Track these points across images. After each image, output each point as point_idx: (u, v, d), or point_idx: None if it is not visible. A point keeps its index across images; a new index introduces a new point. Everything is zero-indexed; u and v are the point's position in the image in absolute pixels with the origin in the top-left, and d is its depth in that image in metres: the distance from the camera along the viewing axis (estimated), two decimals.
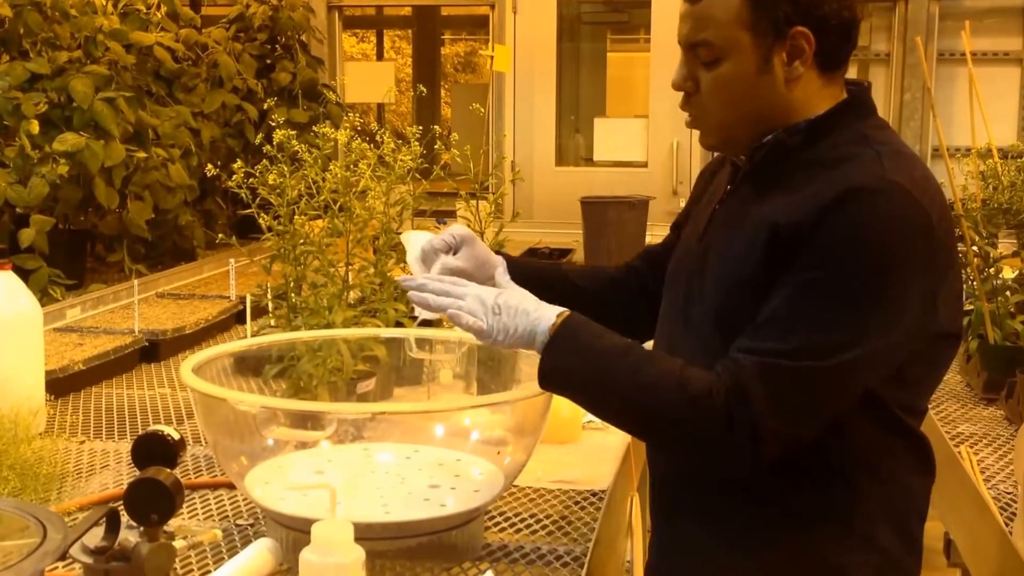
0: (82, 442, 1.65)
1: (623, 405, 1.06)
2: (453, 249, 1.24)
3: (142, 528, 1.07)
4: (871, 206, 1.00)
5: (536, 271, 1.30)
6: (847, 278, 0.99)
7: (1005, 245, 2.13)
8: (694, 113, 1.12)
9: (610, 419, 1.11)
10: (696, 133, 1.16)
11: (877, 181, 1.01)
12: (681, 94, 1.13)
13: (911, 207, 1.01)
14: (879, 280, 0.99)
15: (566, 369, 1.07)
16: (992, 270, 2.03)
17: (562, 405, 1.47)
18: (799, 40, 1.06)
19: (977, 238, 2.04)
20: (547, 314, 1.08)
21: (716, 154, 1.25)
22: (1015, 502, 1.44)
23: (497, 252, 1.29)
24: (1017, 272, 2.05)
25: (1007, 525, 1.37)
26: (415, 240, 1.24)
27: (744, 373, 0.99)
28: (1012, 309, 1.99)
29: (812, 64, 1.07)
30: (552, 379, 1.09)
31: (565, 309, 1.08)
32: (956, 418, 1.86)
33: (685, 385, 1.01)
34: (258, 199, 1.70)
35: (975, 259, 2.01)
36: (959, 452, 1.63)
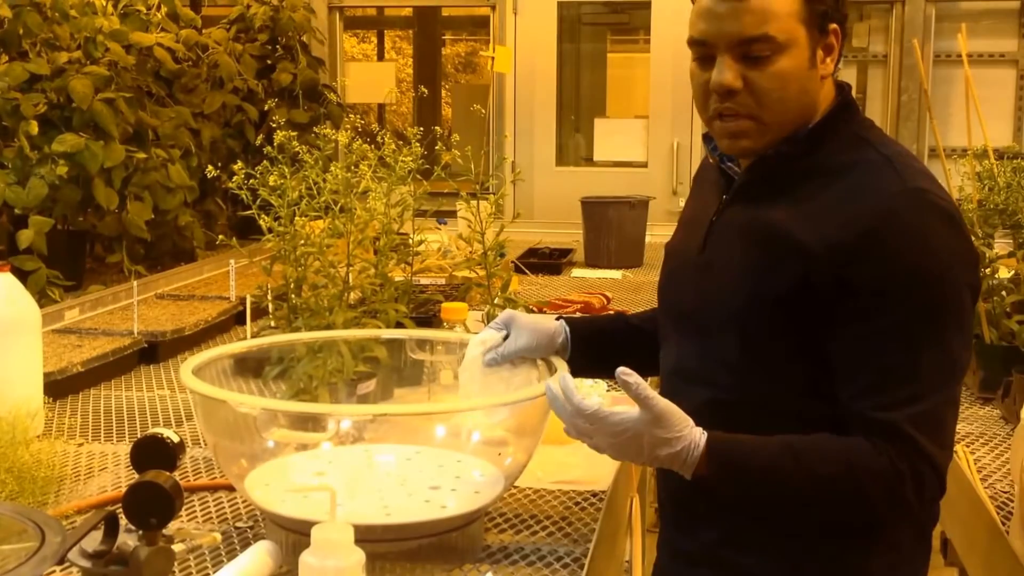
0: (80, 444, 1.64)
1: (804, 509, 1.05)
2: (505, 333, 1.26)
3: (141, 532, 1.08)
4: (912, 225, 1.02)
5: (598, 326, 1.31)
6: (923, 308, 1.01)
7: (1001, 245, 2.13)
8: (740, 112, 1.08)
9: (788, 517, 1.08)
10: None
11: (904, 195, 1.03)
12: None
13: (941, 210, 1.04)
14: (946, 293, 1.02)
15: (730, 495, 1.06)
16: (988, 270, 2.04)
17: None
18: (832, 37, 1.09)
19: (974, 239, 2.04)
20: (688, 459, 1.02)
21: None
22: (1012, 501, 1.45)
23: (558, 318, 1.30)
24: (1013, 272, 2.05)
25: (1004, 524, 1.37)
26: (472, 350, 1.26)
27: (905, 429, 1.00)
28: (1008, 309, 2.00)
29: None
30: (722, 504, 1.08)
31: (698, 434, 1.03)
32: None
33: (872, 474, 1.00)
34: (258, 200, 1.70)
35: None
36: (956, 451, 1.63)
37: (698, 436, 1.03)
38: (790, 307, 1.05)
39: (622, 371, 1.03)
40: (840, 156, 1.08)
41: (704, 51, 1.09)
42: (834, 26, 1.09)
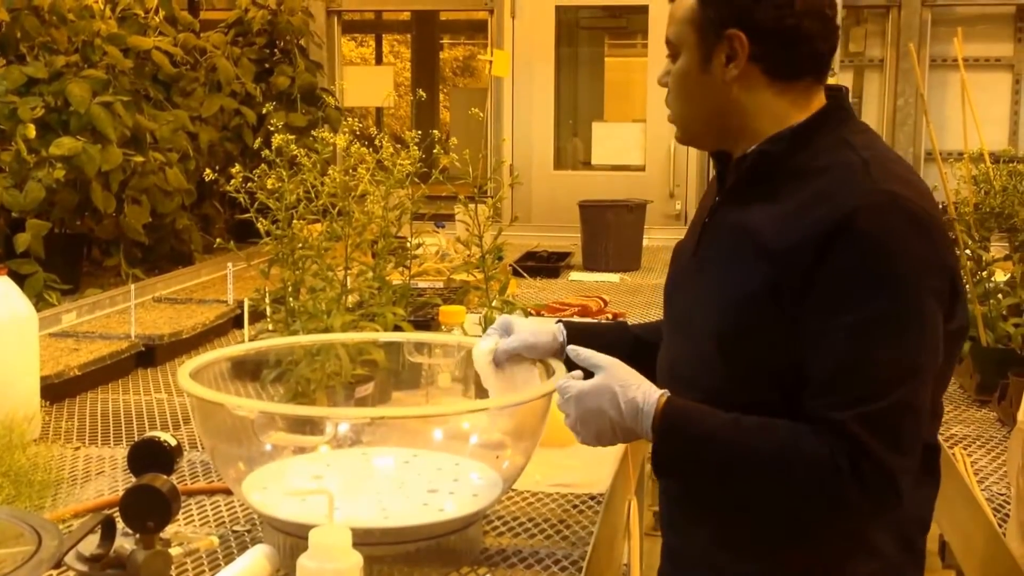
0: (77, 448, 1.64)
1: (745, 491, 1.06)
2: (505, 334, 1.29)
3: (138, 535, 1.08)
4: (877, 225, 1.01)
5: (598, 333, 1.31)
6: (880, 310, 1.00)
7: (997, 248, 2.14)
8: (670, 107, 1.19)
9: (734, 498, 1.10)
10: None
11: (872, 196, 1.03)
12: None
13: (911, 213, 1.03)
14: (907, 296, 1.01)
15: (679, 460, 1.08)
16: (984, 273, 2.04)
17: None
18: (734, 43, 1.10)
19: (970, 242, 2.05)
20: (644, 407, 1.08)
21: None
22: (1008, 504, 1.45)
23: (558, 320, 1.32)
24: (1009, 275, 2.06)
25: (1000, 526, 1.37)
26: (481, 350, 1.29)
27: (850, 428, 1.00)
28: (1004, 312, 2.00)
29: (758, 70, 1.10)
30: (668, 471, 1.11)
31: (656, 398, 1.08)
32: (949, 420, 1.86)
33: (806, 461, 1.01)
34: (256, 203, 1.70)
35: (968, 262, 2.02)
36: (953, 454, 1.63)
37: (651, 387, 1.10)
38: (763, 311, 1.05)
39: (572, 348, 1.16)
40: (821, 159, 1.08)
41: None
42: (735, 32, 1.08)
